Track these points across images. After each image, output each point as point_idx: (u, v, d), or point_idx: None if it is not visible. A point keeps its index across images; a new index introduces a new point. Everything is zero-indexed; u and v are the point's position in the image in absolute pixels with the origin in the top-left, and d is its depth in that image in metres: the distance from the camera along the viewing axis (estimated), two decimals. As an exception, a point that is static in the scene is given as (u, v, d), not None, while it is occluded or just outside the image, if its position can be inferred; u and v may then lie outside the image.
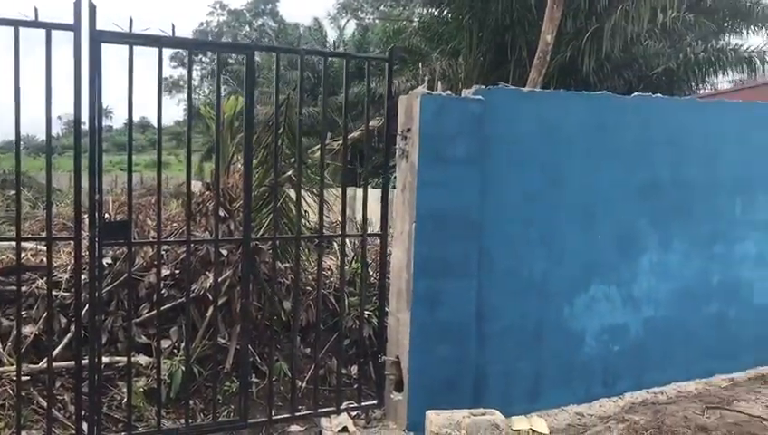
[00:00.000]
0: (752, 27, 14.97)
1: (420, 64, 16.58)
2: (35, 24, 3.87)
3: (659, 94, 6.20)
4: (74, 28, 3.93)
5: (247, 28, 42.50)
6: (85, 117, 4.01)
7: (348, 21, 25.64)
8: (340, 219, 5.06)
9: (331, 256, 6.85)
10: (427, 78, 9.23)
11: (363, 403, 4.97)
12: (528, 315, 5.14)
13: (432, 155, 4.65)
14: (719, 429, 4.69)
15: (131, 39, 4.05)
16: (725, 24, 14.83)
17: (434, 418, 4.50)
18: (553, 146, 5.14)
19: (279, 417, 4.74)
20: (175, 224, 6.93)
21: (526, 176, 5.06)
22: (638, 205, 5.51)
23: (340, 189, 5.17)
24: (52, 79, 3.95)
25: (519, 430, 4.94)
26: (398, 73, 18.35)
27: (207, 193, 5.61)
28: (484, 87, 4.92)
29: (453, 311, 4.79)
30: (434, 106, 4.63)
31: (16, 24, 3.83)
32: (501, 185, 4.96)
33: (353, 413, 4.96)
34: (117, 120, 49.18)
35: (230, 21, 42.87)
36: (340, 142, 6.24)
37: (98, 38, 3.98)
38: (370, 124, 5.18)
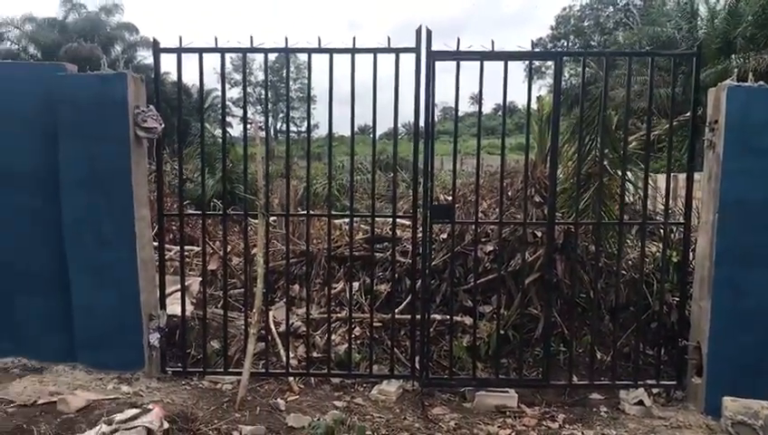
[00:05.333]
0: None
1: None
2: (388, 49, 5.02)
3: None
4: (416, 50, 4.98)
5: (611, 9, 41.63)
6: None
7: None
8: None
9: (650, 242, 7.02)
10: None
11: (662, 382, 5.24)
12: None
13: (738, 146, 4.71)
14: None
15: (459, 56, 4.96)
16: None
17: (730, 404, 4.63)
18: None
19: (579, 383, 5.30)
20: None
21: None
22: None
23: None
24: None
25: (837, 432, 4.73)
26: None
27: (530, 181, 6.31)
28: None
29: (758, 300, 4.79)
30: (741, 98, 4.67)
31: (375, 51, 5.02)
32: (825, 176, 4.74)
33: (654, 391, 5.25)
34: (487, 107, 52.18)
35: (593, 3, 42.43)
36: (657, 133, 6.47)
37: (433, 57, 4.98)
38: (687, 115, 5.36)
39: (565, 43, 40.00)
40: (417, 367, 5.31)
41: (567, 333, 5.71)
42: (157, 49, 5.18)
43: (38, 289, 5.23)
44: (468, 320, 5.90)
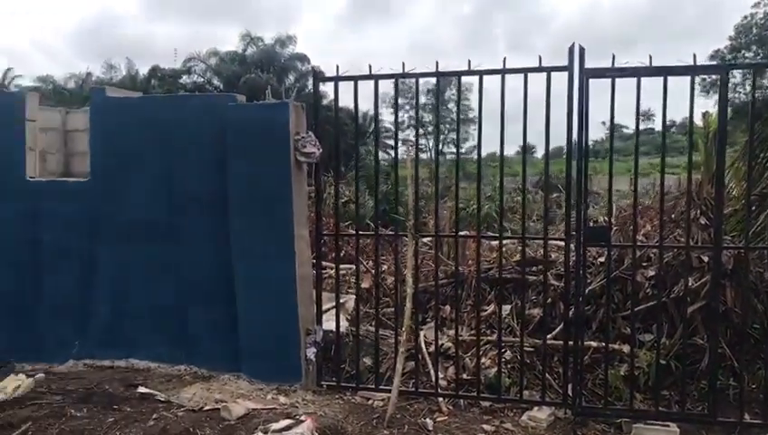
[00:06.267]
0: None
1: None
2: (539, 69, 4.96)
3: None
4: (568, 69, 4.89)
5: (800, 14, 37.91)
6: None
7: None
8: None
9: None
10: None
11: None
12: None
13: None
14: None
15: (613, 73, 4.80)
16: None
17: None
18: None
19: (751, 421, 4.86)
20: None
21: None
22: None
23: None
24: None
25: None
26: None
27: (694, 202, 5.94)
28: None
29: None
30: None
31: (525, 71, 4.99)
32: None
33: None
34: (657, 122, 49.22)
35: (777, 10, 38.85)
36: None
37: (586, 74, 4.85)
38: None
39: (745, 55, 36.95)
40: (570, 394, 5.14)
41: (737, 367, 5.27)
42: (316, 78, 5.51)
43: (209, 302, 5.69)
44: (626, 348, 5.61)
